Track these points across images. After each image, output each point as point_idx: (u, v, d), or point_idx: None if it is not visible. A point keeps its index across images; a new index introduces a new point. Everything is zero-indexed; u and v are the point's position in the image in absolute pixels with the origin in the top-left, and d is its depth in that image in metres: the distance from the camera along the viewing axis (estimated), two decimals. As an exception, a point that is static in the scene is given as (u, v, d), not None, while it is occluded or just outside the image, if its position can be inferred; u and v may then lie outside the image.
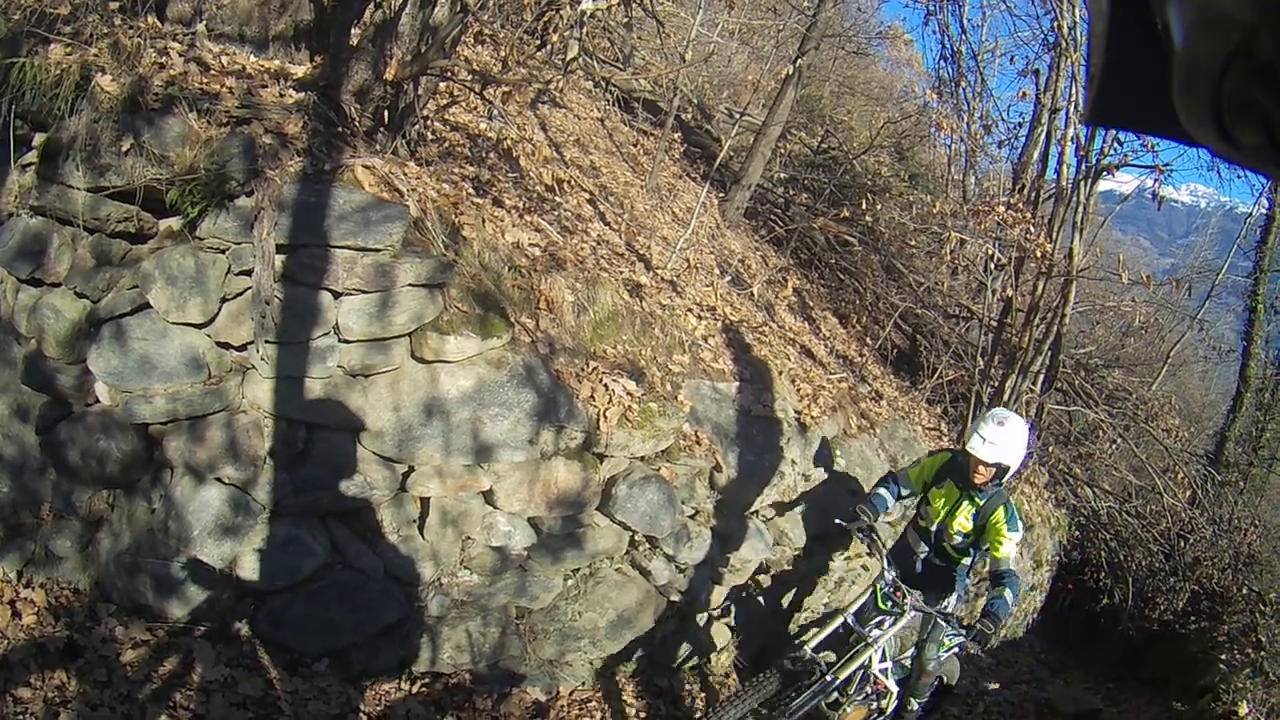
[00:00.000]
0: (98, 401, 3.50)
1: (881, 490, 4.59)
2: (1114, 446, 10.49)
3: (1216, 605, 10.18)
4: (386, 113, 4.27)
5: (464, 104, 5.48)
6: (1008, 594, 4.11)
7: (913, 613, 4.29)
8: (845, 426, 5.46)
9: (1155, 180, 8.27)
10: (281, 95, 4.11)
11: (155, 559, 3.43)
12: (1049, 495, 9.02)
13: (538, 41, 5.94)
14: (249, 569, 3.48)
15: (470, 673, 4.14)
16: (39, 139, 3.73)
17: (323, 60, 4.50)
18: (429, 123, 4.79)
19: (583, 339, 4.25)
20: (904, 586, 4.30)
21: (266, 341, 3.42)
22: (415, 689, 4.03)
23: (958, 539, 4.50)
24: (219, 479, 3.43)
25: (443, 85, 4.92)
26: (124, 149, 3.55)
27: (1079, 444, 10.44)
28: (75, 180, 3.52)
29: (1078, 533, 10.07)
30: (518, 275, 4.14)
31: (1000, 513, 4.27)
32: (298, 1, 4.64)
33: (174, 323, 3.40)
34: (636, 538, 4.36)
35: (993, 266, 8.17)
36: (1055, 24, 8.02)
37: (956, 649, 4.70)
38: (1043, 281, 8.04)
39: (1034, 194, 8.58)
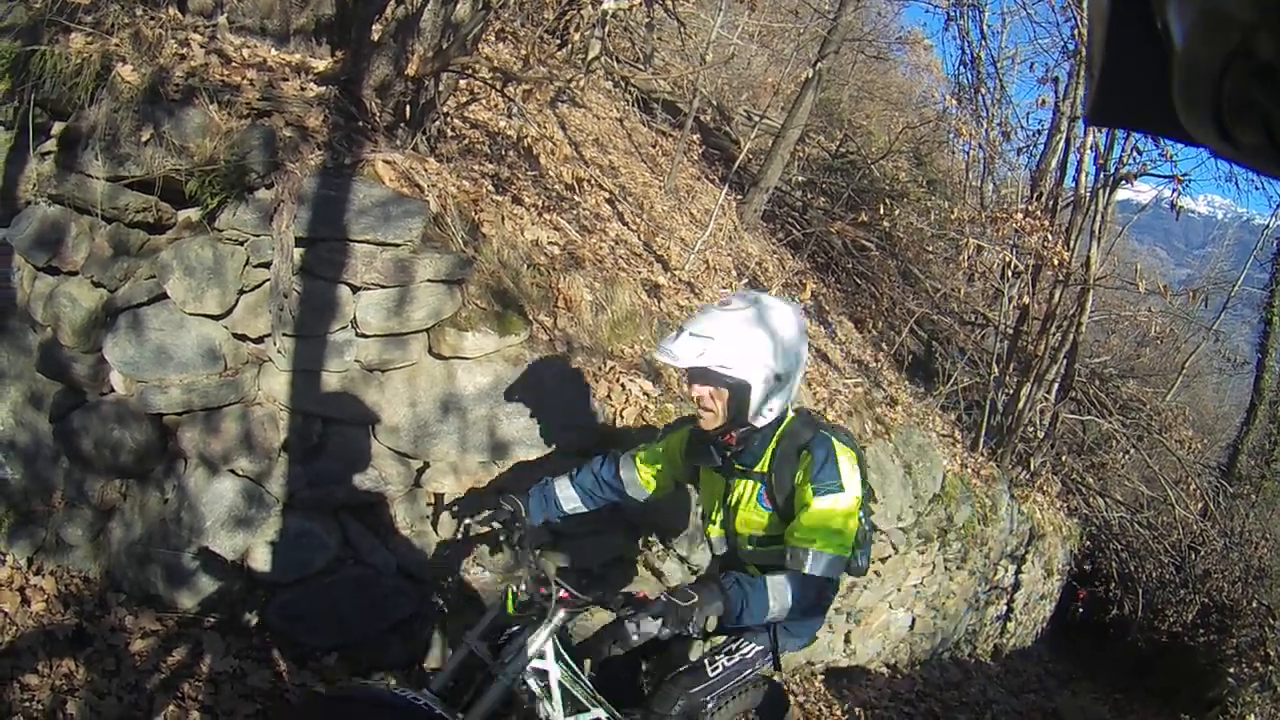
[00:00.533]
0: (112, 391, 3.48)
1: (559, 483, 3.15)
2: (1127, 457, 10.47)
3: (1226, 618, 10.20)
4: (408, 108, 4.26)
5: (484, 101, 5.46)
6: (774, 586, 2.43)
7: (561, 611, 2.56)
8: (860, 432, 5.42)
9: (1174, 190, 8.25)
10: (302, 89, 4.10)
11: (167, 549, 3.42)
12: (1061, 504, 8.98)
13: (559, 40, 5.92)
14: (261, 561, 3.46)
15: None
16: (58, 127, 3.72)
17: (344, 55, 4.49)
18: (449, 119, 4.78)
19: (600, 338, 4.22)
20: (553, 578, 2.57)
21: (284, 334, 3.41)
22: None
23: (757, 551, 2.78)
24: (233, 471, 3.41)
25: (463, 82, 4.90)
26: (144, 139, 3.54)
27: (1092, 453, 10.41)
28: (94, 169, 3.50)
29: (1089, 543, 10.04)
30: (536, 273, 4.12)
31: (801, 470, 2.57)
32: (318, -5, 4.63)
33: (191, 313, 3.38)
34: (650, 539, 4.32)
35: (1010, 274, 8.14)
36: (1075, 31, 7.99)
37: (727, 665, 2.86)
38: (1059, 290, 8.01)
39: (1052, 202, 8.54)
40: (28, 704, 3.25)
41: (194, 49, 4.02)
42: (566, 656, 2.75)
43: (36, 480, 3.65)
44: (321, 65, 4.38)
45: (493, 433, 3.75)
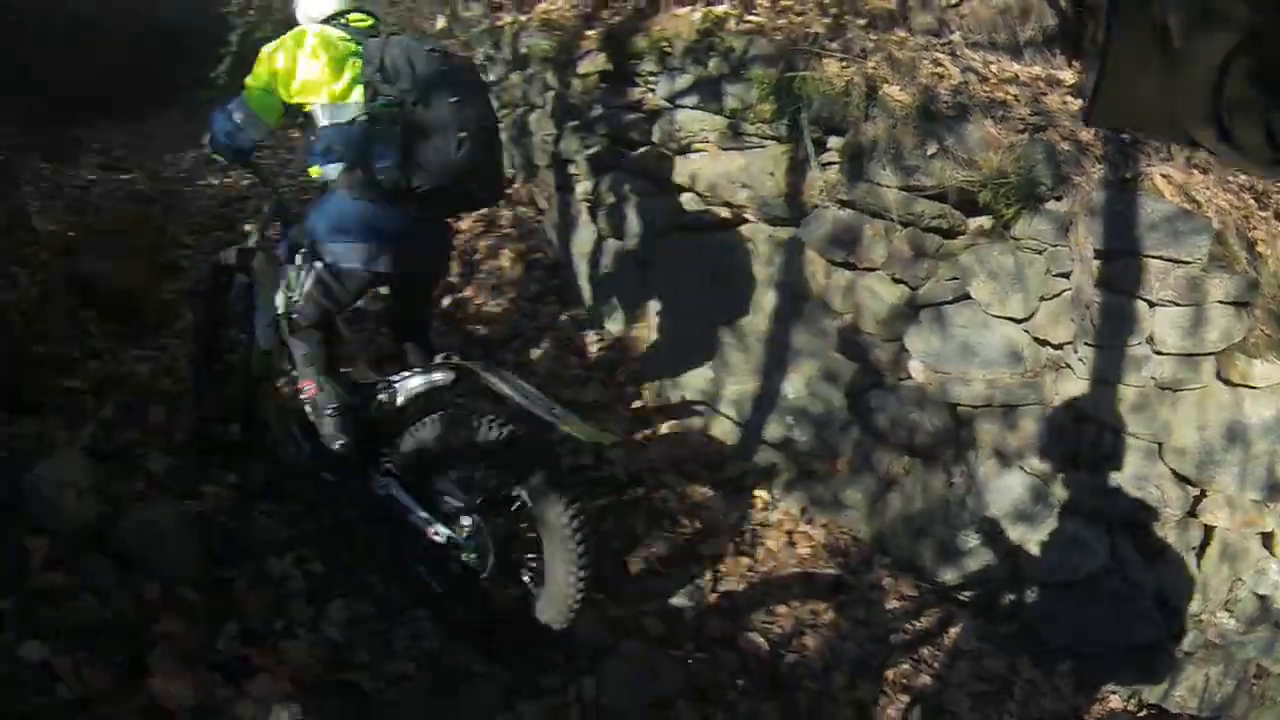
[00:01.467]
0: (910, 377, 3.88)
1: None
2: None
3: None
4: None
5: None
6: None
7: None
8: None
9: None
10: (1064, 102, 4.16)
11: (944, 527, 3.73)
12: None
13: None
14: (1031, 557, 3.63)
15: (1193, 718, 3.91)
16: (835, 141, 4.15)
17: (1083, 66, 4.47)
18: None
19: None
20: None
21: (1084, 343, 3.51)
22: (1139, 714, 3.91)
23: None
24: (1022, 468, 3.62)
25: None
26: (929, 153, 3.84)
27: None
28: (883, 179, 3.88)
29: None
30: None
31: None
32: (1038, 8, 4.66)
33: (994, 315, 3.64)
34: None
35: None
36: None
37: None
38: None
39: None
40: (768, 625, 3.74)
41: (948, 67, 4.27)
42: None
43: (822, 444, 4.21)
44: (1068, 77, 4.42)
45: (1272, 470, 3.50)
